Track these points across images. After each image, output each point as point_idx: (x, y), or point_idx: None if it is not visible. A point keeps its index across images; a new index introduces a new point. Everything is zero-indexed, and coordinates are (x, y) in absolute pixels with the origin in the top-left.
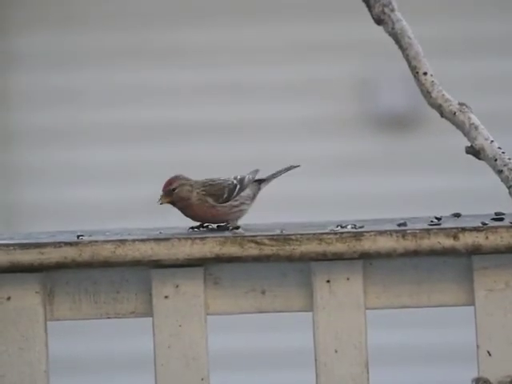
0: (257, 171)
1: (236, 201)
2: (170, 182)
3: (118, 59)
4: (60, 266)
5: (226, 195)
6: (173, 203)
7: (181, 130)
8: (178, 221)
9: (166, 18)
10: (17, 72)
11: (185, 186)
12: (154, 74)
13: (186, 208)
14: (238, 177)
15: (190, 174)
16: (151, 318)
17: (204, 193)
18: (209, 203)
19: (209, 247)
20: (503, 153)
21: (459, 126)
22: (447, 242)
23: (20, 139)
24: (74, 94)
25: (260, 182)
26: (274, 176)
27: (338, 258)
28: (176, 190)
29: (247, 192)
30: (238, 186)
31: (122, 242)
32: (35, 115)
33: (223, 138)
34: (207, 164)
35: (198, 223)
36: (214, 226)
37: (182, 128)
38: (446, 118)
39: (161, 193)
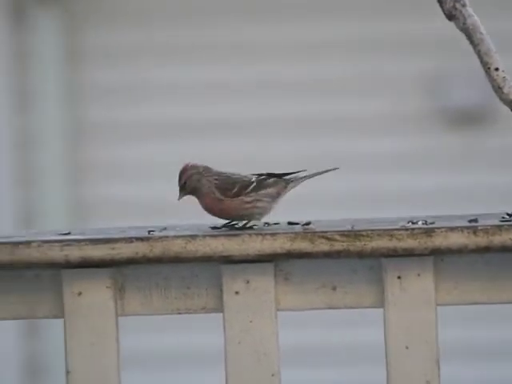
0: (302, 171)
1: (250, 197)
2: (180, 176)
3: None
4: (131, 262)
5: (235, 190)
6: (192, 194)
7: (234, 127)
8: None
9: (190, 16)
10: (87, 69)
11: (194, 176)
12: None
13: (199, 198)
14: (262, 176)
15: (258, 170)
16: (222, 314)
17: (215, 184)
18: (215, 195)
19: (279, 243)
20: None
21: None
22: None
23: (91, 136)
24: (139, 90)
25: (288, 181)
26: (306, 177)
27: (408, 254)
28: (187, 183)
29: (269, 190)
30: (255, 184)
31: (193, 237)
32: (104, 111)
33: (275, 134)
34: (260, 161)
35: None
36: (239, 224)
37: (236, 124)
38: None
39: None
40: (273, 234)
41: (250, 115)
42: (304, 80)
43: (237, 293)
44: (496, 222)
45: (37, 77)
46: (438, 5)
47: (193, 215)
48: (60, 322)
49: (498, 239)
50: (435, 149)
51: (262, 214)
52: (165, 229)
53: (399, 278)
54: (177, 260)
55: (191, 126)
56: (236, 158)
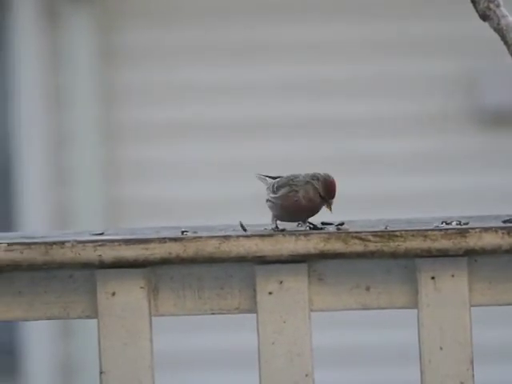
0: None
1: None
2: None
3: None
4: (164, 262)
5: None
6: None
7: (270, 128)
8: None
9: (239, 15)
10: (120, 68)
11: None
12: (248, 69)
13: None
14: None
15: (277, 172)
16: (255, 314)
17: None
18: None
19: (313, 243)
20: None
21: None
22: None
23: (123, 135)
24: (173, 90)
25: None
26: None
27: (442, 254)
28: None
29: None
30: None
31: (227, 237)
32: (137, 111)
33: (311, 134)
34: (296, 160)
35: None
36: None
37: (271, 126)
38: None
39: (331, 200)
40: (306, 235)
41: (276, 115)
42: (331, 80)
43: (270, 293)
44: None
45: (70, 76)
46: (472, 5)
47: (226, 216)
48: (94, 322)
49: None
50: (470, 149)
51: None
52: (198, 229)
53: (433, 278)
54: (210, 260)
55: (223, 127)
56: (273, 159)
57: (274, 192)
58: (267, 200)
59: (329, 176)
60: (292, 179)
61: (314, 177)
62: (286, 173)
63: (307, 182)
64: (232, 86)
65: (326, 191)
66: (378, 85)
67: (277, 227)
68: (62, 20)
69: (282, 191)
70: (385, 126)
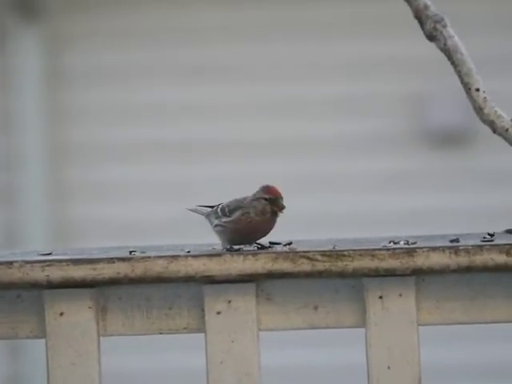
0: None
1: None
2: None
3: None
4: (113, 282)
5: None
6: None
7: (235, 148)
8: None
9: (175, 36)
10: (68, 90)
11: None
12: (213, 91)
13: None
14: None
15: (242, 191)
16: (203, 334)
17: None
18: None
19: (261, 263)
20: None
21: None
22: (500, 258)
23: (72, 156)
24: (123, 111)
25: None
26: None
27: (390, 274)
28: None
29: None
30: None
31: (175, 257)
32: (85, 132)
33: (262, 154)
34: (250, 180)
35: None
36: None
37: (226, 145)
38: (499, 134)
39: (282, 201)
40: (254, 254)
41: (240, 135)
42: (288, 101)
43: (218, 313)
44: (477, 241)
45: (18, 97)
46: (419, 25)
47: (174, 236)
48: (42, 342)
49: (480, 259)
50: (418, 169)
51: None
52: (146, 249)
53: (381, 297)
54: (159, 280)
55: (170, 146)
56: (226, 179)
57: (226, 216)
58: (216, 225)
59: (267, 184)
60: (242, 201)
61: (257, 192)
62: (237, 194)
63: (253, 200)
64: (177, 106)
65: (269, 194)
66: (328, 106)
67: (231, 247)
68: (10, 41)
69: (236, 214)
70: (335, 146)
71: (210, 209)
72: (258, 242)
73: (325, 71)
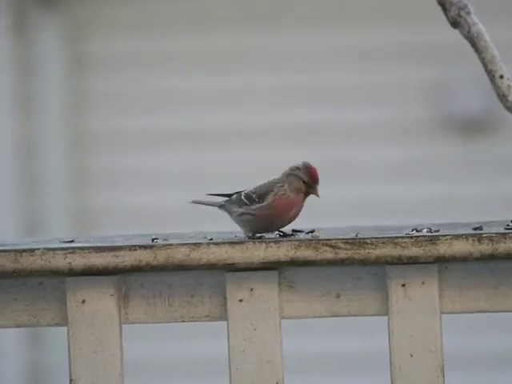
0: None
1: None
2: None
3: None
4: (135, 270)
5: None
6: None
7: (247, 136)
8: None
9: (193, 24)
10: (90, 77)
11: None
12: (225, 78)
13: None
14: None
15: (260, 179)
16: (226, 322)
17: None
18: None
19: (283, 251)
20: None
21: None
22: None
23: (94, 143)
24: (145, 98)
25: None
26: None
27: (413, 261)
28: None
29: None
30: None
31: (197, 245)
32: (108, 120)
33: (276, 142)
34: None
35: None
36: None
37: (248, 133)
38: None
39: (316, 185)
40: (277, 242)
41: (253, 123)
42: (304, 88)
43: (241, 301)
44: (501, 229)
45: (39, 84)
46: (442, 13)
47: (196, 223)
48: (64, 330)
49: (503, 247)
50: (441, 157)
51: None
52: (168, 237)
53: (403, 285)
54: (181, 268)
55: (193, 135)
56: (242, 167)
57: (256, 202)
58: (241, 214)
59: (308, 163)
60: (270, 184)
61: (294, 168)
62: (255, 181)
63: (289, 175)
64: (206, 95)
65: (309, 176)
66: (346, 94)
67: (253, 235)
68: (32, 29)
69: (269, 198)
70: (354, 134)
71: (221, 198)
72: (280, 229)
73: (340, 59)
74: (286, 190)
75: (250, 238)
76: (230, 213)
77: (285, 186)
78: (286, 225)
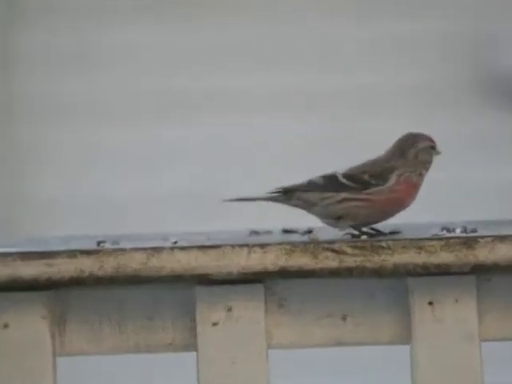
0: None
1: None
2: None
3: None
4: (74, 283)
5: None
6: None
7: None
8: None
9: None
10: (21, 73)
11: None
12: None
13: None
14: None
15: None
16: (195, 353)
17: None
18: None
19: (271, 257)
20: None
21: None
22: None
23: (24, 114)
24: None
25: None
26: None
27: (443, 272)
28: None
29: None
30: None
31: (157, 250)
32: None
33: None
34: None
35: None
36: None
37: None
38: None
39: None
40: (263, 246)
41: (273, 90)
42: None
43: (215, 324)
44: None
45: None
46: None
47: (156, 221)
48: None
49: None
50: (480, 132)
51: None
52: (119, 239)
53: (431, 303)
54: (135, 280)
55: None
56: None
57: (372, 185)
58: (343, 200)
59: (416, 132)
60: (387, 162)
61: (411, 138)
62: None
63: (420, 150)
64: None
65: (432, 141)
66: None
67: (372, 229)
68: None
69: (392, 179)
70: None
71: (277, 193)
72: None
73: (382, 9)
74: (417, 168)
75: (362, 233)
76: (306, 202)
77: (416, 165)
78: (399, 212)
